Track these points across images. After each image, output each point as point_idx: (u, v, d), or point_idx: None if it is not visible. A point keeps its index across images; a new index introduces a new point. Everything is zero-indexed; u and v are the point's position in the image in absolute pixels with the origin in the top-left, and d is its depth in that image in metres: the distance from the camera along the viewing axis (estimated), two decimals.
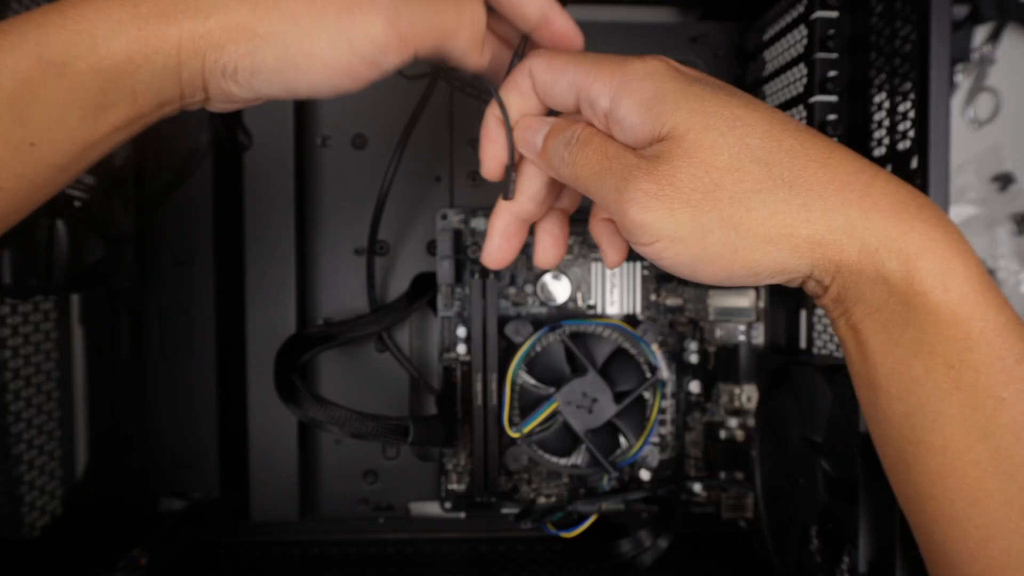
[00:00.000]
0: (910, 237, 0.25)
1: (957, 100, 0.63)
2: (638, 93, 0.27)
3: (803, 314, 0.48)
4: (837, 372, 0.39)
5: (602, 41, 0.55)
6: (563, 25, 0.31)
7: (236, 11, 0.27)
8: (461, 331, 0.49)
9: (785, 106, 0.47)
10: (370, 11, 0.27)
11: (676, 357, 0.51)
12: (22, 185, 0.27)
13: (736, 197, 0.25)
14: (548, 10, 0.31)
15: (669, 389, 0.51)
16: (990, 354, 0.26)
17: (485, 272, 0.49)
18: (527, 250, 0.50)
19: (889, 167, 0.39)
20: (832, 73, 0.43)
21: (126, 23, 0.26)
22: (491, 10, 0.31)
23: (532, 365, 0.46)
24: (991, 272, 0.64)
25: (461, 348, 0.49)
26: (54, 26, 0.26)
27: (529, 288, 0.50)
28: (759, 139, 0.26)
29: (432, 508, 0.56)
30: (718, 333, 0.51)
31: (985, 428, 0.26)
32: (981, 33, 0.63)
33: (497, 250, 0.34)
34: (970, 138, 0.64)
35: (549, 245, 0.35)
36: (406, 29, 0.28)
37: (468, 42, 0.30)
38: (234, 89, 0.28)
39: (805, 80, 0.44)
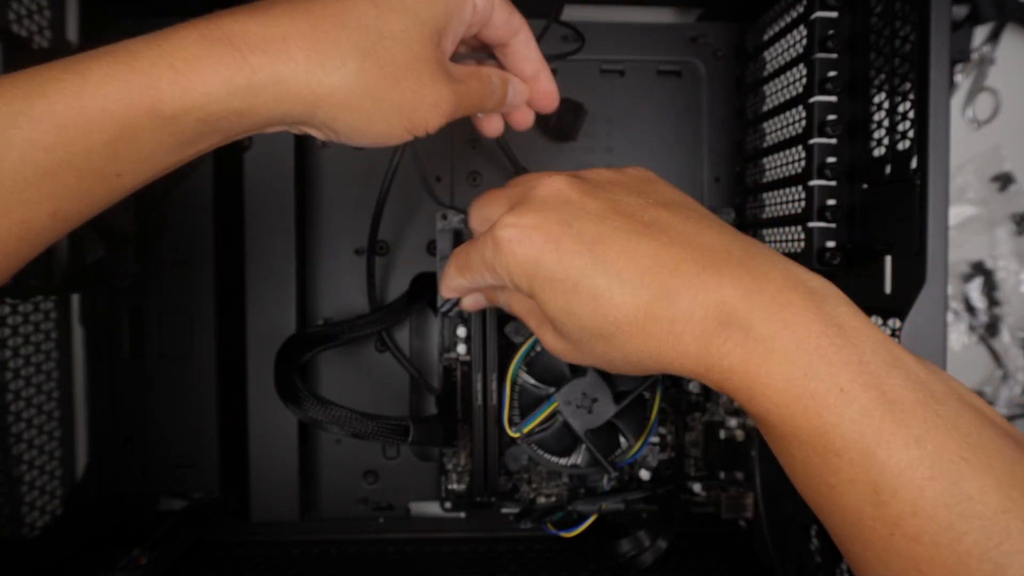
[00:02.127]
0: (711, 373, 0.28)
1: (957, 100, 0.63)
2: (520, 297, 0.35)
3: None
4: None
5: (603, 42, 0.55)
6: (548, 86, 0.39)
7: (347, 93, 0.30)
8: (461, 331, 0.49)
9: (785, 106, 0.47)
10: (433, 117, 0.33)
11: None
12: (95, 209, 0.28)
13: (598, 347, 0.31)
14: (541, 70, 0.38)
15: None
16: (807, 451, 0.26)
17: None
18: None
19: (889, 167, 0.39)
20: (832, 73, 0.43)
21: (240, 84, 0.28)
22: (493, 57, 0.38)
23: (532, 365, 0.46)
24: (989, 273, 0.64)
25: (461, 348, 0.49)
26: (167, 81, 0.27)
27: None
28: (589, 319, 0.30)
29: (432, 508, 0.56)
30: None
31: (826, 506, 0.27)
32: (981, 33, 0.63)
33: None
34: (970, 138, 0.64)
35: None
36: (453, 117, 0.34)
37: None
38: (312, 133, 0.32)
39: (805, 80, 0.44)
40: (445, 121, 0.33)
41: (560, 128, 0.54)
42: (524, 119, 0.40)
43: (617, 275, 0.28)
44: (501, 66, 0.38)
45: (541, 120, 0.54)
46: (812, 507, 0.28)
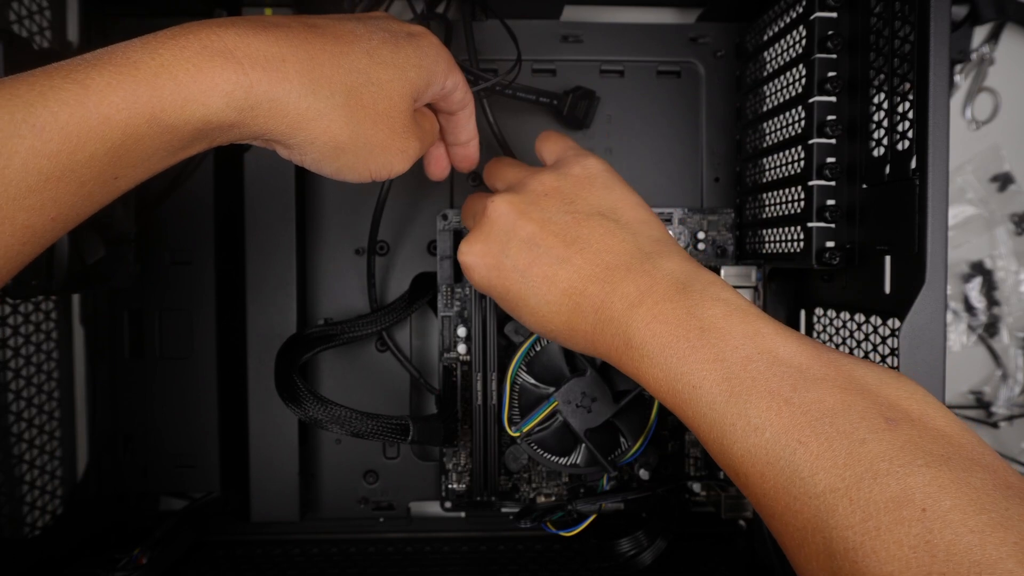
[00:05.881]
0: (621, 368, 0.33)
1: (956, 100, 0.64)
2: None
3: (802, 313, 0.49)
4: None
5: (603, 42, 0.55)
6: (473, 153, 0.44)
7: (330, 121, 0.32)
8: (461, 331, 0.49)
9: (784, 106, 0.47)
10: (399, 161, 0.37)
11: None
12: (93, 210, 0.29)
13: (551, 339, 0.39)
14: (472, 139, 0.44)
15: None
16: (694, 426, 0.30)
17: None
18: None
19: (888, 167, 0.39)
20: (831, 73, 0.43)
21: (238, 98, 0.29)
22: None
23: (532, 364, 0.46)
24: (989, 273, 0.64)
25: (461, 348, 0.49)
26: (168, 92, 0.28)
27: None
28: (533, 326, 0.37)
29: (432, 508, 0.56)
30: None
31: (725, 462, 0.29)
32: (980, 33, 0.63)
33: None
34: (969, 138, 0.64)
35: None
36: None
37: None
38: (285, 155, 0.34)
39: (804, 80, 0.44)
40: (408, 166, 0.37)
41: (574, 116, 0.54)
42: (441, 168, 0.45)
43: (543, 298, 0.35)
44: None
45: (555, 109, 0.54)
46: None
